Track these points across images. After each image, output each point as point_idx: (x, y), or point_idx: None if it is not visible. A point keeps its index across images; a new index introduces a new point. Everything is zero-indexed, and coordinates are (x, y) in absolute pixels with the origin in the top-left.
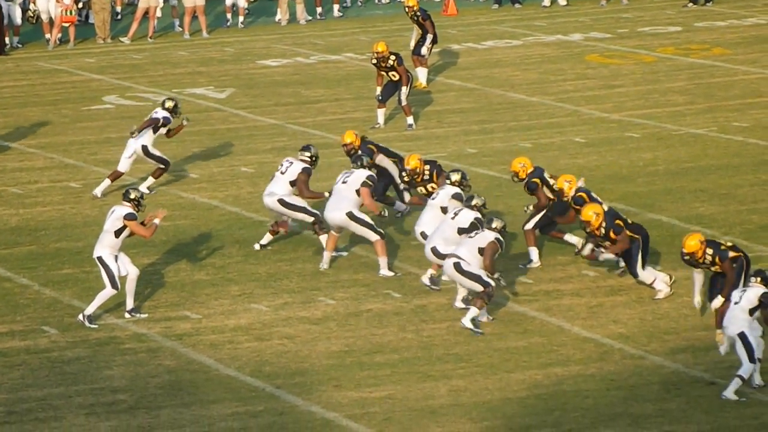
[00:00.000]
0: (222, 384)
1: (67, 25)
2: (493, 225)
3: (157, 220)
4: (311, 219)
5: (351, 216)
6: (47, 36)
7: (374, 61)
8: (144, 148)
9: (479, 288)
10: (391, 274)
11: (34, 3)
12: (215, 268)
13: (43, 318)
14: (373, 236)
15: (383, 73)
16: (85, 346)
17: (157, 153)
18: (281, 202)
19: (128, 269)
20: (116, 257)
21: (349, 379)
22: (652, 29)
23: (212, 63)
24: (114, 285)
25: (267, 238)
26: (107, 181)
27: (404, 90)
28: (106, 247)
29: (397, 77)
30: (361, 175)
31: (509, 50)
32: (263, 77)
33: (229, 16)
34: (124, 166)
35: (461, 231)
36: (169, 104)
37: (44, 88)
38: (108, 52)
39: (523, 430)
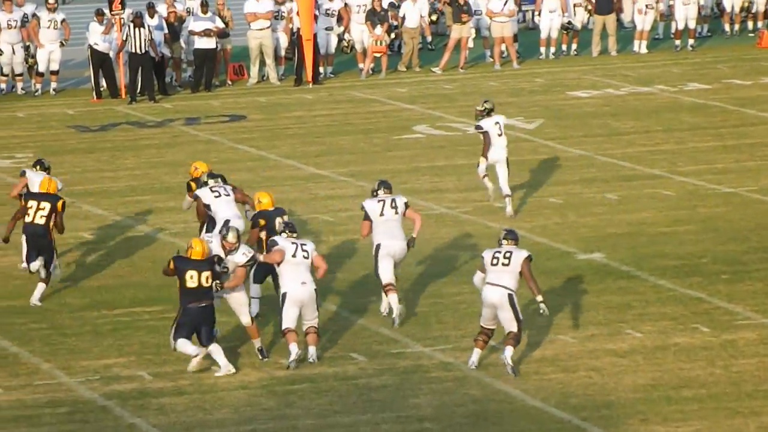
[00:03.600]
0: (527, 415)
1: (378, 55)
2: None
3: None
4: None
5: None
6: (360, 65)
7: None
8: None
9: (515, 328)
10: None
11: (350, 33)
12: (522, 298)
13: (352, 345)
14: None
15: None
16: (392, 373)
17: None
18: None
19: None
20: None
21: (655, 413)
22: None
23: (522, 93)
24: None
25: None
26: None
27: None
28: None
29: None
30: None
31: None
32: (573, 108)
33: (542, 49)
34: None
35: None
36: None
37: (356, 117)
38: (419, 82)
39: None
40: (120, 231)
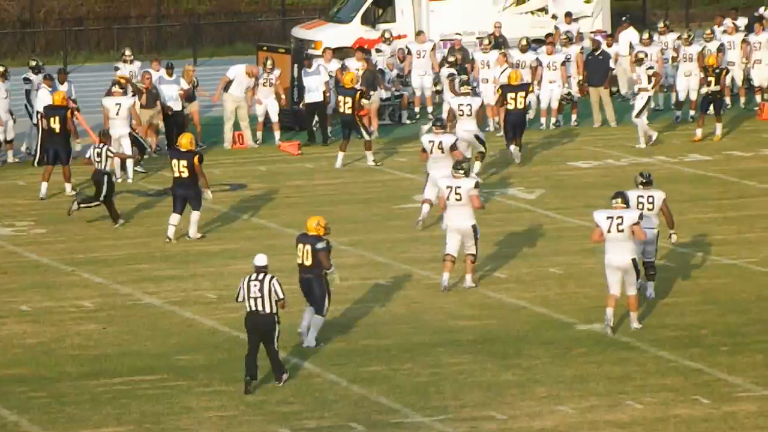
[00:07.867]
0: None
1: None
2: None
3: None
4: None
5: None
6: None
7: None
8: None
9: None
10: None
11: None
12: (522, 368)
13: (351, 414)
14: None
15: None
16: None
17: None
18: None
19: None
20: None
21: None
22: None
23: (523, 163)
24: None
25: None
26: None
27: None
28: None
29: None
30: None
31: None
32: (573, 179)
33: (542, 120)
34: None
35: None
36: None
37: (356, 187)
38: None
39: None
40: (120, 299)
